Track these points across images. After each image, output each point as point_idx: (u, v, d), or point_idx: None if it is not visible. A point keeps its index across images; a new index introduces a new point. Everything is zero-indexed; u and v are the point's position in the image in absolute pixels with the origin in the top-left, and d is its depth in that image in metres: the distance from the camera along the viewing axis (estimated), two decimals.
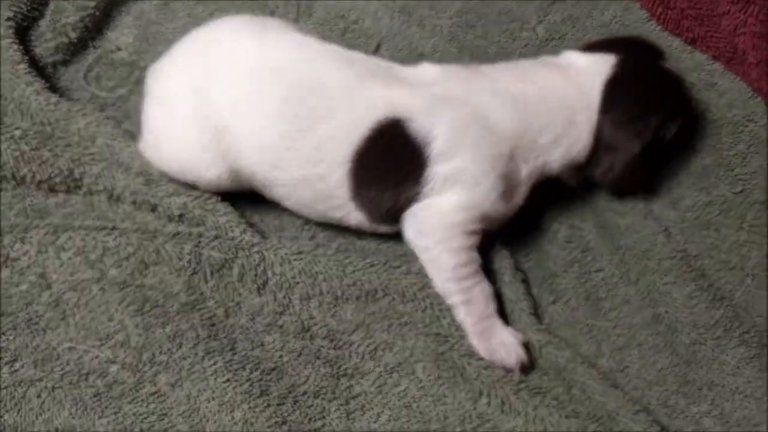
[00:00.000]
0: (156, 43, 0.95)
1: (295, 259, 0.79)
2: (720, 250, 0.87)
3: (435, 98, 0.79)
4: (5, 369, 0.72)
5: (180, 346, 0.74)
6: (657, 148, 0.84)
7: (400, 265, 0.81)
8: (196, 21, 0.95)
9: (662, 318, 0.83)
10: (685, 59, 0.96)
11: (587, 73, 0.84)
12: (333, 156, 0.78)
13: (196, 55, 0.81)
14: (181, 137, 0.80)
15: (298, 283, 0.79)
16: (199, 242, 0.78)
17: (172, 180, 0.81)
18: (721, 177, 0.90)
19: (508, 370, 0.77)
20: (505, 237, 0.85)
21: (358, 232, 0.84)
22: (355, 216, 0.81)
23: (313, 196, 0.80)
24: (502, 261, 0.83)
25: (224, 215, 0.80)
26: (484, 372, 0.77)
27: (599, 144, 0.82)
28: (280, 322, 0.78)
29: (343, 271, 0.79)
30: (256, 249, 0.79)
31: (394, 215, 0.80)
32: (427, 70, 0.83)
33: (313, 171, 0.78)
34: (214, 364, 0.74)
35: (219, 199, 0.82)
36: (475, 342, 0.78)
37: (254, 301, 0.78)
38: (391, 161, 0.79)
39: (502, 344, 0.78)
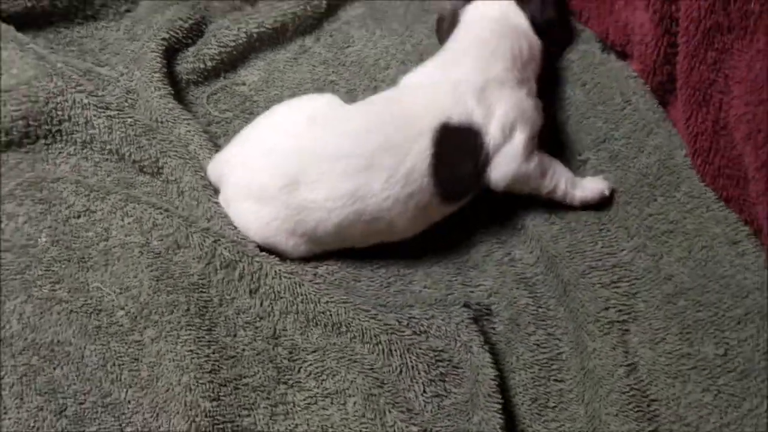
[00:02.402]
0: (274, 86, 1.15)
1: (285, 276, 0.93)
2: (680, 403, 0.87)
3: (448, 89, 0.97)
4: (47, 287, 0.93)
5: (172, 312, 0.91)
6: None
7: (370, 309, 0.92)
8: (312, 78, 1.16)
9: None
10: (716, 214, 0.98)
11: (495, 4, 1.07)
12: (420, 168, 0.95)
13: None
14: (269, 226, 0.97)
15: (282, 297, 0.93)
16: (218, 240, 0.95)
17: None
18: (709, 334, 0.90)
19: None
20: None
21: (356, 272, 0.97)
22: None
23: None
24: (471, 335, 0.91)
25: None
26: (401, 422, 0.85)
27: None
28: (257, 324, 0.92)
29: (319, 300, 0.92)
30: (257, 259, 0.94)
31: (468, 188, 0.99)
32: (418, 75, 1.02)
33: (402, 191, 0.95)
34: (188, 335, 0.89)
35: None
36: (579, 194, 1.01)
37: (245, 300, 0.93)
38: (457, 149, 0.96)
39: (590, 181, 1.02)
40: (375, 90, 1.14)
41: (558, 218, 1.01)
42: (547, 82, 1.09)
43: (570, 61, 1.11)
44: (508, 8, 1.07)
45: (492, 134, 0.96)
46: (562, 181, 1.01)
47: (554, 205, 1.02)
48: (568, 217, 1.01)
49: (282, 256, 0.97)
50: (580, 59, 1.11)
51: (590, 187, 1.02)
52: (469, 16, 1.09)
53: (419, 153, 0.95)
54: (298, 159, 0.95)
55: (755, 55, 0.87)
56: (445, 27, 1.12)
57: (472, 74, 0.99)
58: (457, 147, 0.96)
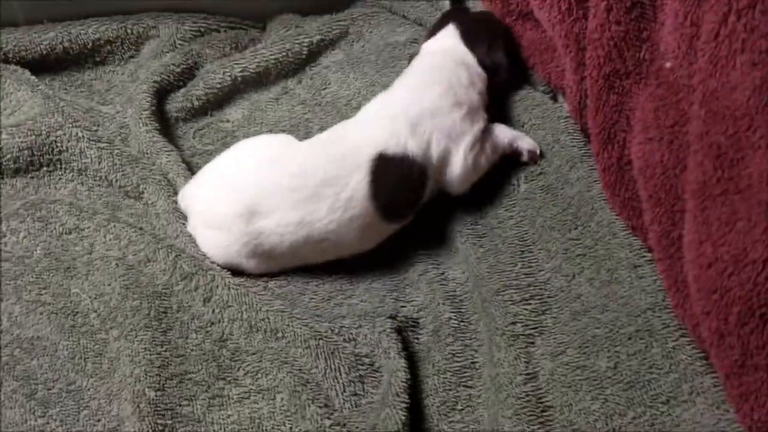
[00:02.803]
0: (255, 124, 1.30)
1: (233, 288, 1.06)
2: (572, 410, 0.96)
3: (386, 123, 1.10)
4: (35, 292, 1.08)
5: (134, 315, 1.05)
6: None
7: (305, 318, 1.04)
8: (290, 116, 1.30)
9: None
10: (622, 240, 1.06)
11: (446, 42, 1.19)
12: (358, 196, 1.07)
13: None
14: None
15: (230, 306, 1.06)
16: (180, 255, 1.09)
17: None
18: (603, 348, 0.98)
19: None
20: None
21: (303, 287, 1.09)
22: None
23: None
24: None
25: None
26: (318, 416, 0.97)
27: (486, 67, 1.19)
28: (208, 329, 1.06)
29: (260, 308, 1.05)
30: (211, 272, 1.08)
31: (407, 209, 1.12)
32: (365, 110, 1.16)
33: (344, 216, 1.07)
34: (145, 335, 1.03)
35: None
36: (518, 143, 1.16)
37: (199, 307, 1.07)
38: (393, 176, 1.08)
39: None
40: None
41: (487, 240, 1.12)
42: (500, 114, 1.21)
43: (513, 102, 1.22)
44: (455, 45, 1.21)
45: (431, 160, 1.10)
46: (506, 141, 1.15)
47: (486, 229, 1.13)
48: (497, 240, 1.11)
49: (243, 273, 1.11)
50: (521, 100, 1.22)
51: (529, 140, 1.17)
52: (423, 51, 1.23)
53: (358, 183, 1.07)
54: (254, 192, 1.09)
55: (647, 98, 0.96)
56: (410, 61, 1.26)
57: (408, 106, 1.12)
58: (393, 175, 1.09)
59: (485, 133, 1.14)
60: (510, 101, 1.23)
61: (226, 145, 1.27)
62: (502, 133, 1.16)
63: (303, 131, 1.28)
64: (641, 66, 0.97)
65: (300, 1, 1.42)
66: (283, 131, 1.28)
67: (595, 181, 1.10)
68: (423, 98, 1.13)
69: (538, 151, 1.16)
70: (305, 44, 1.35)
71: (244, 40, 1.39)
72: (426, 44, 1.24)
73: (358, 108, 1.28)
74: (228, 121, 1.31)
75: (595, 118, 1.03)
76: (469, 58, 1.19)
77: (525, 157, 1.16)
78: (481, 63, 1.19)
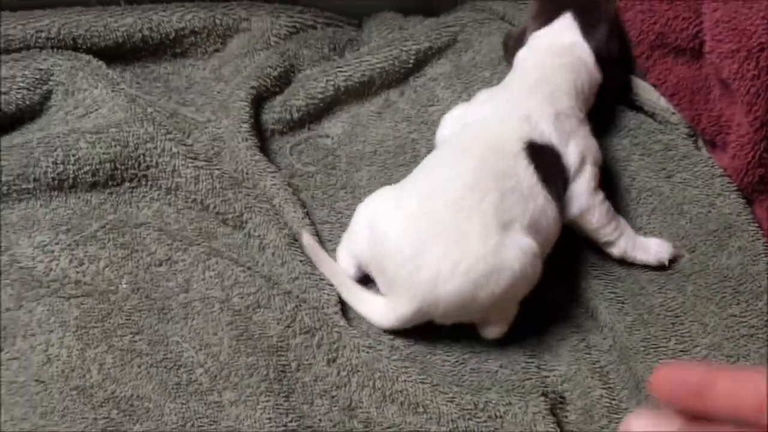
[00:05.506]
0: (357, 141, 1.15)
1: (363, 351, 0.93)
2: None
3: (522, 120, 0.99)
4: (128, 338, 0.93)
5: (251, 375, 0.91)
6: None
7: (448, 391, 0.92)
8: (395, 135, 1.16)
9: None
10: None
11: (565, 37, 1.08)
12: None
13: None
14: None
15: (359, 370, 0.93)
16: (300, 306, 0.95)
17: (303, 252, 1.00)
18: None
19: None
20: None
21: (431, 347, 0.97)
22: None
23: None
24: None
25: (327, 294, 0.97)
26: None
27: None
28: (333, 393, 0.93)
29: (397, 378, 0.92)
30: (337, 329, 0.94)
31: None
32: (480, 113, 1.04)
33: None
34: (267, 401, 0.89)
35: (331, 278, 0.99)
36: (640, 256, 1.02)
37: (322, 368, 0.94)
38: (549, 164, 0.98)
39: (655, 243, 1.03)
40: None
41: (630, 307, 1.01)
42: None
43: (653, 151, 1.11)
44: (574, 40, 1.08)
45: (570, 158, 0.99)
46: (623, 239, 1.02)
47: (627, 294, 1.02)
48: (641, 308, 1.01)
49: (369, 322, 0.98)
50: (664, 149, 1.11)
51: (654, 251, 1.03)
52: (536, 43, 1.09)
53: (525, 170, 0.96)
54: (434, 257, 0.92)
55: None
56: (510, 45, 1.14)
57: (543, 106, 1.01)
58: (548, 163, 0.98)
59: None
60: (648, 149, 1.12)
61: (327, 166, 1.13)
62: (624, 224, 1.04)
63: (410, 153, 1.15)
64: None
65: None
66: (388, 152, 1.15)
67: (761, 254, 1.01)
68: (556, 103, 1.01)
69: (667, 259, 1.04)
70: (413, 52, 1.20)
71: (341, 40, 1.23)
72: (538, 35, 1.10)
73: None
74: (327, 136, 1.16)
75: None
76: (588, 54, 1.08)
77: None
78: (597, 54, 1.08)
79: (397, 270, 0.93)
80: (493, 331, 0.98)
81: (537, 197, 0.95)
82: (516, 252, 0.92)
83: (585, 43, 1.07)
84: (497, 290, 0.92)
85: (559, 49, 1.07)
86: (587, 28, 1.08)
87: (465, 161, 0.97)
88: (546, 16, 1.10)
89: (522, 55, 1.09)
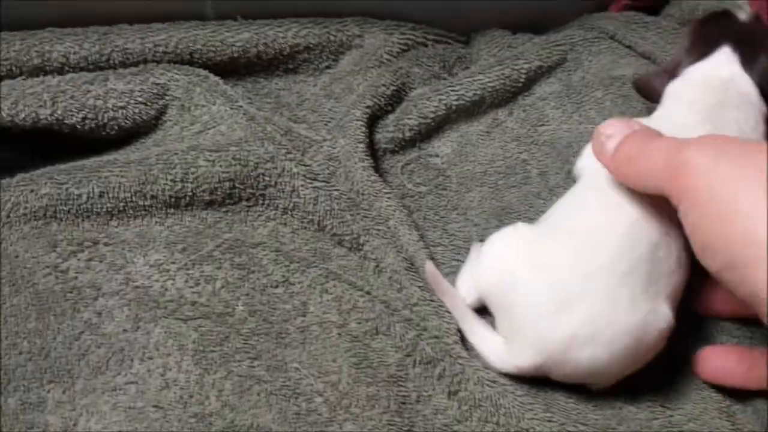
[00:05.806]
0: (467, 161, 1.13)
1: (487, 385, 0.91)
2: None
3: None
4: (246, 363, 0.92)
5: (372, 407, 0.90)
6: None
7: (571, 429, 0.89)
8: (504, 155, 1.13)
9: None
10: None
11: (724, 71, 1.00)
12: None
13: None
14: None
15: (481, 405, 0.91)
16: (421, 334, 0.93)
17: (421, 278, 0.98)
18: None
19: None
20: None
21: (553, 382, 0.94)
22: None
23: None
24: None
25: (447, 323, 0.95)
26: None
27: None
28: (455, 428, 0.90)
29: (523, 416, 0.89)
30: (460, 361, 0.92)
31: None
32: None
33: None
34: None
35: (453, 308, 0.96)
36: None
37: (442, 400, 0.91)
38: None
39: None
40: (568, 173, 1.10)
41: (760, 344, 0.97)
42: None
43: None
44: (734, 73, 0.99)
45: None
46: None
47: (755, 331, 0.98)
48: None
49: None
50: None
51: None
52: (690, 77, 1.01)
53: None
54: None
55: None
56: (657, 83, 1.05)
57: None
58: None
59: None
60: None
61: (437, 186, 1.10)
62: None
63: (520, 174, 1.12)
64: None
65: (510, 15, 1.24)
66: (498, 173, 1.12)
67: None
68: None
69: None
70: (523, 71, 1.17)
71: (451, 58, 1.20)
72: (692, 69, 1.02)
73: (578, 152, 1.12)
74: (437, 155, 1.13)
75: None
76: (751, 88, 0.99)
77: None
78: (760, 87, 0.99)
79: (530, 321, 0.87)
80: (600, 386, 0.94)
81: (683, 266, 0.88)
82: (660, 325, 0.87)
83: (745, 74, 0.99)
84: (631, 363, 0.88)
85: (718, 84, 0.99)
86: (747, 61, 0.99)
87: (622, 216, 0.88)
88: (702, 50, 1.02)
89: (674, 90, 1.01)
